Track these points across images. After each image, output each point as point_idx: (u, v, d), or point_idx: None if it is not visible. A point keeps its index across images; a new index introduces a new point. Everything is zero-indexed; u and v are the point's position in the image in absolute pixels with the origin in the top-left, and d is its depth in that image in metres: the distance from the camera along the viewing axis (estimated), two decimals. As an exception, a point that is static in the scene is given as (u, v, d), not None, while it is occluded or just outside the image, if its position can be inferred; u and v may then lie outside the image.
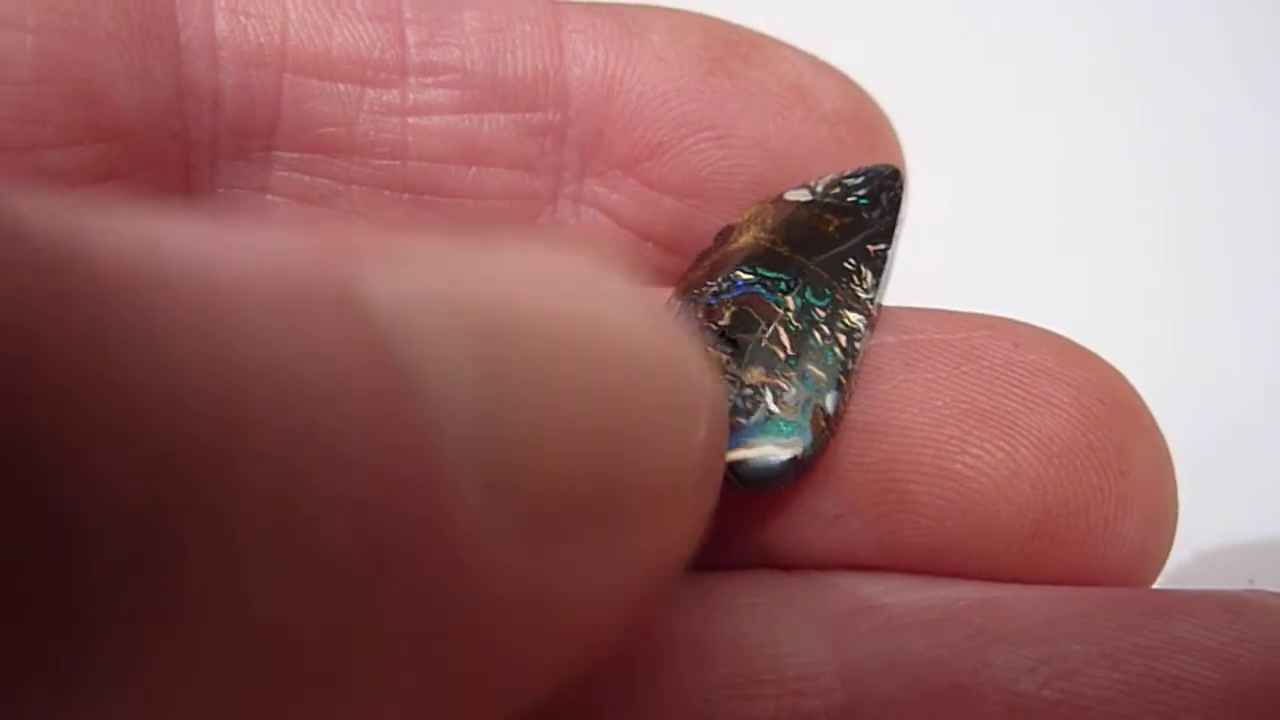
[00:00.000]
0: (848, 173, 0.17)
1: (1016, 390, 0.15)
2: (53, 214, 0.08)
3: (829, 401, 0.15)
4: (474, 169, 0.17)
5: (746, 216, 0.17)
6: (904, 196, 0.17)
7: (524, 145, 0.17)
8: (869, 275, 0.16)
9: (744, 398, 0.15)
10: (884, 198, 0.17)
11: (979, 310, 0.16)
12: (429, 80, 0.17)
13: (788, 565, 0.15)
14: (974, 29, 0.31)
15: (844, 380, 0.15)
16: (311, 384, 0.08)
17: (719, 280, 0.16)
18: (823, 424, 0.15)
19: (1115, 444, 0.15)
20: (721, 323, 0.16)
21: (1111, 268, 0.28)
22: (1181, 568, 0.21)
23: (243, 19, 0.16)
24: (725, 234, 0.17)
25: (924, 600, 0.15)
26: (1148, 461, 0.15)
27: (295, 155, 0.17)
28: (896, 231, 0.17)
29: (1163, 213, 0.29)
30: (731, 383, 0.15)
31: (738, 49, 0.18)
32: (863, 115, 0.18)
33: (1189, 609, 0.14)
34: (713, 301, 0.16)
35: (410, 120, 0.17)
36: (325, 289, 0.09)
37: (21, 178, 0.15)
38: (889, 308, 0.16)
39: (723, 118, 0.18)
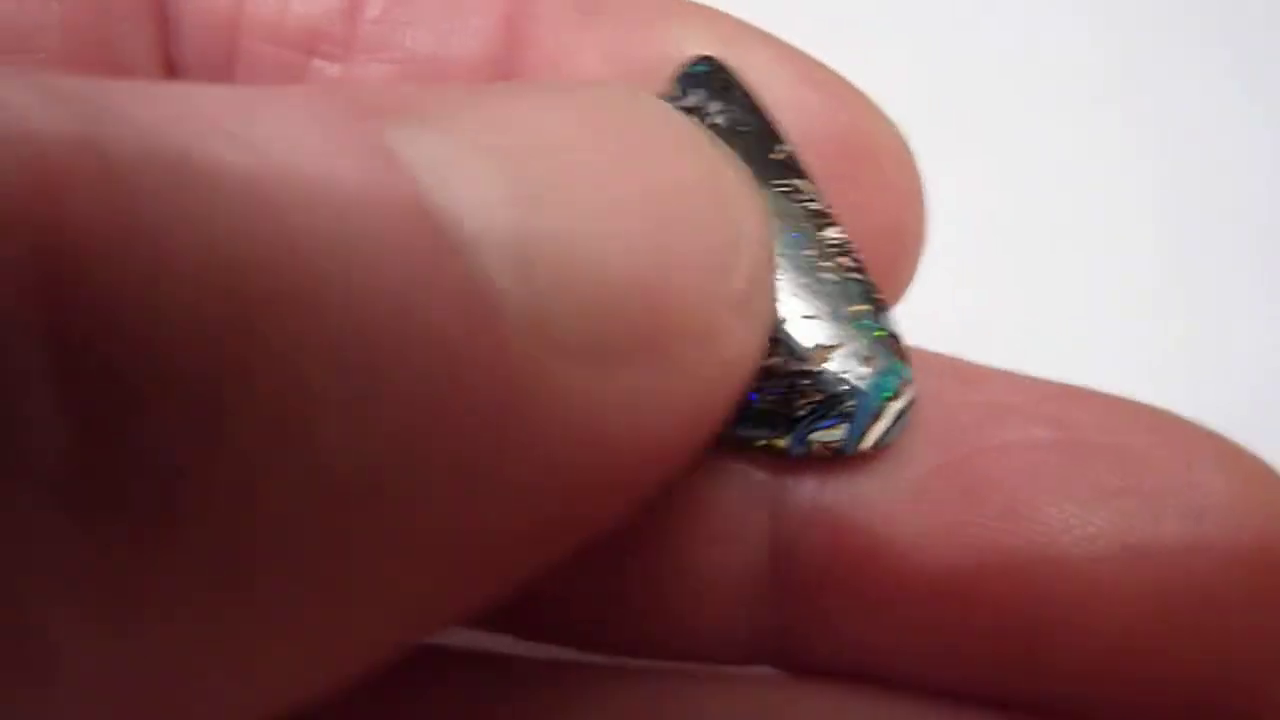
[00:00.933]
0: (674, 93, 0.15)
1: (1187, 523, 0.13)
2: (113, 103, 0.09)
3: (890, 326, 0.14)
4: None
5: None
6: (738, 80, 0.15)
7: None
8: (799, 182, 0.15)
9: (831, 379, 0.14)
10: (732, 95, 0.15)
11: (976, 313, 0.15)
12: (374, 56, 0.17)
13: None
14: (975, 32, 0.30)
15: (877, 294, 0.14)
16: (356, 243, 0.09)
17: None
18: (901, 347, 0.14)
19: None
20: None
21: (1112, 268, 0.27)
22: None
23: None
24: None
25: None
26: None
27: None
28: (772, 124, 0.15)
29: (1164, 214, 0.28)
30: (804, 376, 0.14)
31: (705, 44, 0.16)
32: (849, 143, 0.16)
33: None
34: None
35: None
36: (357, 147, 0.10)
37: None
38: (1036, 380, 0.14)
39: None
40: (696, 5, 0.17)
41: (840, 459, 0.14)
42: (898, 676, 0.14)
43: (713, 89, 0.15)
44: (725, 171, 0.12)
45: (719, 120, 0.15)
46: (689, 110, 0.15)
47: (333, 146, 0.09)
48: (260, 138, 0.09)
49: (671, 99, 0.15)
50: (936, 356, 0.15)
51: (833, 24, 0.25)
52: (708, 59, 0.15)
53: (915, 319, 0.16)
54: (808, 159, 0.15)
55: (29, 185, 0.08)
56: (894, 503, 0.14)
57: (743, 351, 0.12)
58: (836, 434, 0.14)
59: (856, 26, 0.28)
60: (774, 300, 0.12)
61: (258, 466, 0.08)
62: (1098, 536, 0.13)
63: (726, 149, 0.12)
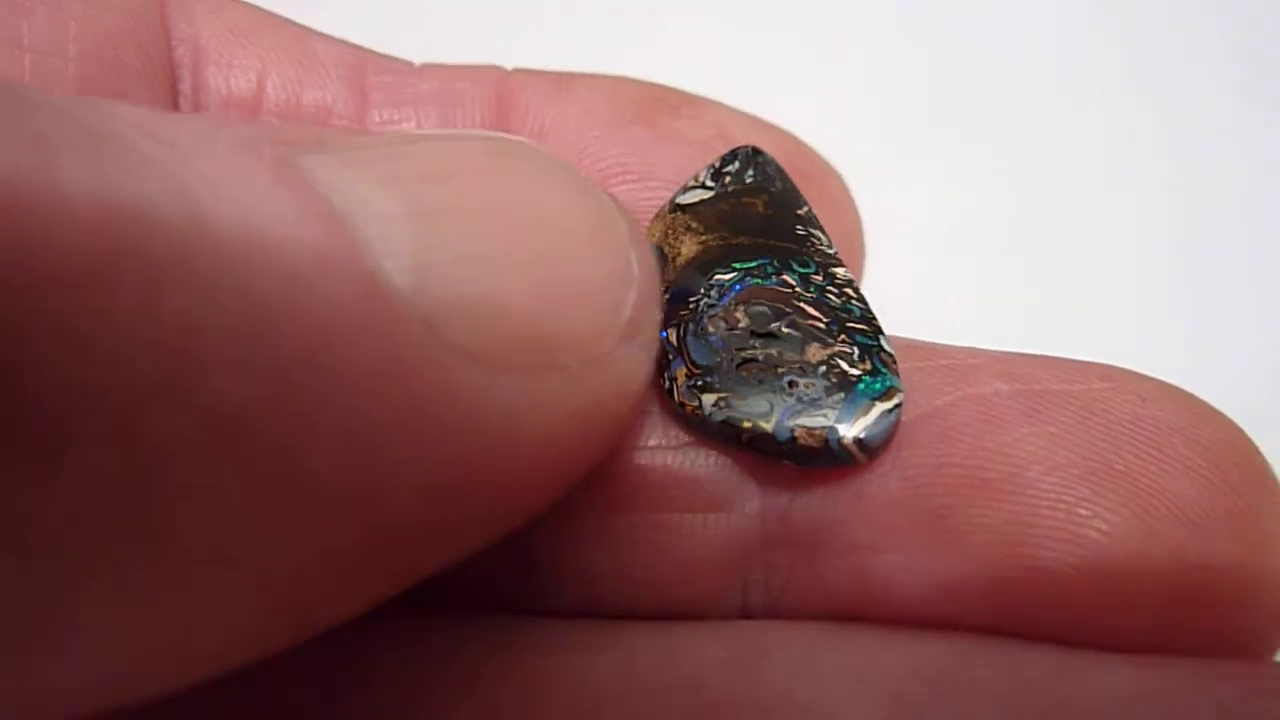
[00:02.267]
0: (718, 163, 0.17)
1: (1148, 450, 0.14)
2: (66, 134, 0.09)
3: (885, 343, 0.15)
4: None
5: (658, 234, 0.17)
6: (777, 162, 0.17)
7: None
8: (819, 234, 0.17)
9: (824, 376, 0.15)
10: (769, 169, 0.17)
11: (978, 313, 0.16)
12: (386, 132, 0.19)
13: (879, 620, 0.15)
14: (975, 33, 0.30)
15: (878, 322, 0.15)
16: (262, 237, 0.10)
17: (702, 293, 0.16)
18: (893, 364, 0.15)
19: (1252, 512, 0.14)
20: (743, 325, 0.15)
21: (1113, 268, 0.27)
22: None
23: (226, 71, 0.18)
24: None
25: (993, 667, 0.14)
26: None
27: None
28: (799, 191, 0.17)
29: (1164, 214, 0.28)
30: (801, 370, 0.15)
31: (668, 105, 0.19)
32: (804, 167, 0.19)
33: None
34: (714, 312, 0.16)
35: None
36: (269, 164, 0.11)
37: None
38: (989, 351, 0.15)
39: (644, 161, 0.18)
40: (636, 80, 0.20)
41: (822, 457, 0.15)
42: (890, 618, 0.15)
43: (748, 161, 0.18)
44: (612, 214, 0.13)
45: (751, 179, 0.17)
46: (729, 173, 0.18)
47: (249, 164, 0.10)
48: (189, 153, 0.10)
49: (713, 168, 0.18)
50: (902, 339, 0.16)
51: (834, 25, 0.26)
52: (749, 146, 0.18)
53: (916, 318, 0.17)
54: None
55: None
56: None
57: (631, 374, 0.13)
58: (821, 420, 0.15)
59: (858, 27, 0.28)
60: (658, 332, 0.14)
61: (146, 399, 0.09)
62: (1065, 465, 0.14)
63: (613, 199, 0.13)
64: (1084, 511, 0.14)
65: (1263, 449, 0.14)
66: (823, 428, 0.15)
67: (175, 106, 0.18)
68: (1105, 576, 0.14)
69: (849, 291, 0.16)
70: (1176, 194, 0.29)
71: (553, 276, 0.12)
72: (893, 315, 0.16)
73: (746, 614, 0.15)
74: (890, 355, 0.15)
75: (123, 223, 0.09)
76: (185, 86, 0.18)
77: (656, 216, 0.18)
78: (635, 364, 0.13)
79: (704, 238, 0.17)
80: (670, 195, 0.18)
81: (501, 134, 0.13)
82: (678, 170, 0.19)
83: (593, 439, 0.13)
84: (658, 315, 0.13)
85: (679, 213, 0.17)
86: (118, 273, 0.09)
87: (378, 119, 0.19)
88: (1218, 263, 0.28)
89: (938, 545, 0.14)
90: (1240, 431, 0.15)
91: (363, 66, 0.19)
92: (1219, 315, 0.26)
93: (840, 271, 0.16)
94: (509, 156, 0.13)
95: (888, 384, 0.15)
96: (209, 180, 0.10)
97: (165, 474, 0.09)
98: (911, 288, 0.18)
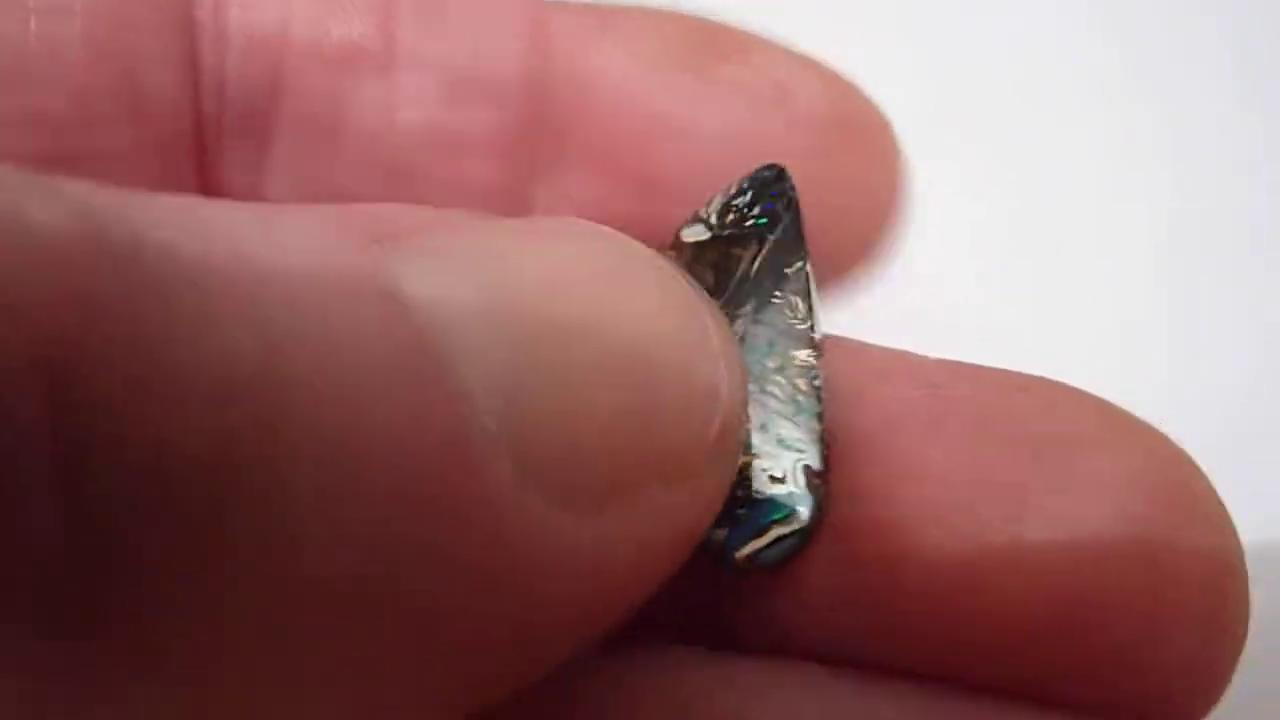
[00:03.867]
0: (733, 190, 0.16)
1: (1047, 465, 0.13)
2: (113, 204, 0.09)
3: (815, 458, 0.14)
4: (454, 162, 0.18)
5: None
6: (795, 193, 0.16)
7: (500, 139, 0.18)
8: (798, 301, 0.15)
9: (735, 486, 0.13)
10: (778, 207, 0.16)
11: (982, 318, 0.16)
12: (415, 73, 0.18)
13: (777, 651, 0.14)
14: (976, 36, 0.30)
15: (820, 428, 0.14)
16: (354, 369, 0.09)
17: None
18: (816, 482, 0.14)
19: (1164, 538, 0.12)
20: None
21: (1113, 272, 0.27)
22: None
23: (250, 9, 0.17)
24: None
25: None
26: (1207, 561, 0.13)
27: (290, 140, 0.17)
28: (803, 238, 0.15)
29: (1165, 217, 0.28)
30: None
31: (719, 47, 0.18)
32: (850, 117, 0.18)
33: None
34: None
35: (395, 112, 0.18)
36: (362, 276, 0.10)
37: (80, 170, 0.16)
38: (911, 355, 0.15)
39: (687, 114, 0.17)
40: (682, 16, 0.18)
41: (725, 565, 0.14)
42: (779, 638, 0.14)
43: (761, 192, 0.16)
44: (706, 321, 0.12)
45: (753, 222, 0.16)
46: (735, 208, 0.16)
47: (341, 274, 0.10)
48: (276, 243, 0.10)
49: (725, 197, 0.16)
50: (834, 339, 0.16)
51: (836, 25, 0.25)
52: (774, 166, 0.16)
53: (919, 318, 0.17)
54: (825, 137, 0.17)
55: (36, 286, 0.08)
56: None
57: (712, 494, 0.12)
58: (716, 534, 0.14)
59: (860, 27, 0.28)
60: (743, 442, 0.13)
61: (243, 576, 0.09)
62: (961, 480, 0.13)
63: (706, 296, 0.12)
64: (964, 529, 0.13)
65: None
66: (716, 541, 0.14)
67: (195, 54, 0.17)
68: (979, 602, 0.13)
69: (801, 384, 0.14)
70: (1178, 195, 0.28)
71: (645, 402, 0.11)
72: (893, 316, 0.16)
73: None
74: (820, 474, 0.14)
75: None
76: (206, 31, 0.17)
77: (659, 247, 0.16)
78: (720, 479, 0.12)
79: None
80: (713, 158, 0.17)
81: (598, 229, 0.12)
82: (724, 125, 0.18)
83: (677, 556, 0.12)
84: (744, 421, 0.13)
85: (671, 251, 0.16)
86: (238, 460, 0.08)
87: (404, 61, 0.18)
88: (1218, 266, 0.27)
89: (821, 570, 0.14)
90: (1168, 446, 0.13)
91: None
92: (1219, 319, 0.26)
93: (802, 355, 0.15)
94: (608, 262, 0.12)
95: (795, 510, 0.14)
96: (302, 322, 0.09)
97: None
98: (911, 288, 0.18)
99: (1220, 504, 0.13)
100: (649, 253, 0.12)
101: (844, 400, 0.14)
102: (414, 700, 0.10)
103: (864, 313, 0.18)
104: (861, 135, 0.18)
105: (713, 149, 0.17)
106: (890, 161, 0.18)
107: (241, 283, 0.09)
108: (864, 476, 0.14)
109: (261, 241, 0.09)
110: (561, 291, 0.11)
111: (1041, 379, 0.14)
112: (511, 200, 0.18)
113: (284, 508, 0.09)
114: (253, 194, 0.18)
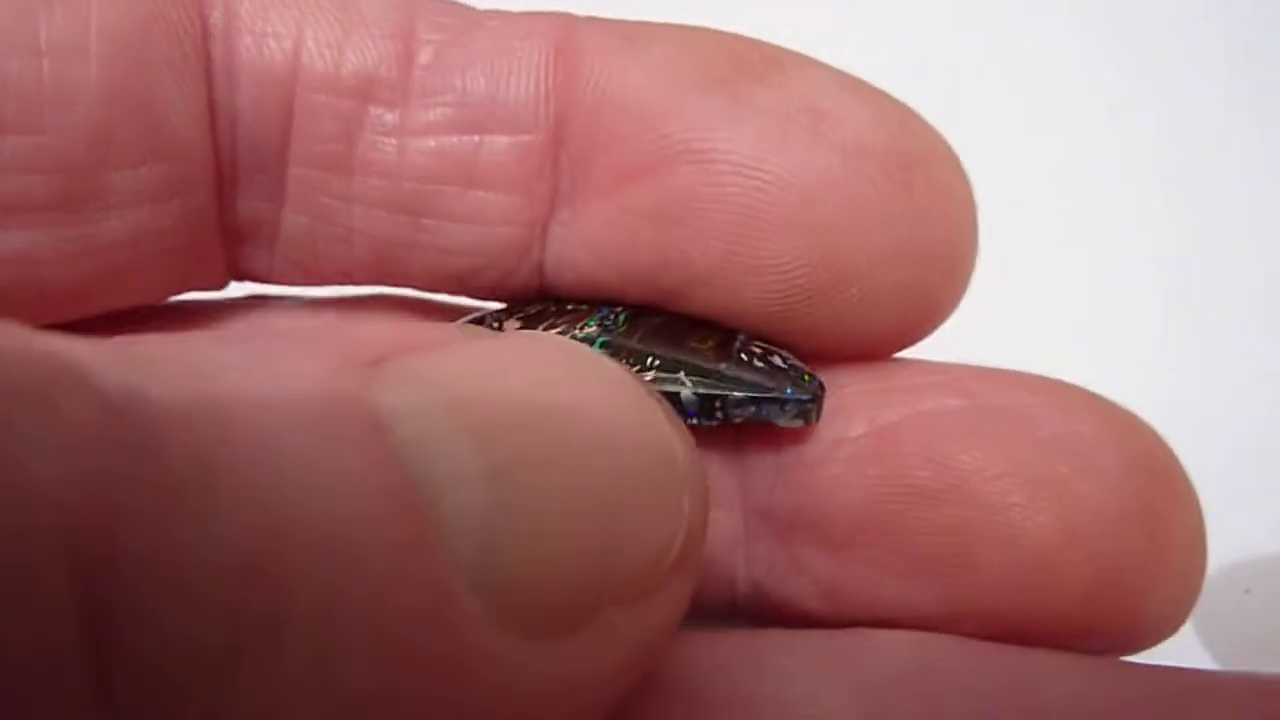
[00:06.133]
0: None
1: (1071, 460, 0.16)
2: (122, 375, 0.09)
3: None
4: (470, 192, 0.17)
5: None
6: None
7: (520, 168, 0.17)
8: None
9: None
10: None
11: (979, 317, 0.17)
12: (430, 101, 0.17)
13: (852, 618, 0.16)
14: (977, 37, 0.30)
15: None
16: (346, 528, 0.10)
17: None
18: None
19: (1158, 512, 0.16)
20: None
21: (1114, 276, 0.27)
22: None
23: (261, 40, 0.17)
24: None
25: (961, 669, 0.15)
26: (1185, 526, 0.16)
27: (303, 171, 0.17)
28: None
29: (1166, 220, 0.28)
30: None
31: (752, 67, 0.16)
32: (902, 149, 0.16)
33: (1221, 693, 0.15)
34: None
35: (409, 141, 0.17)
36: (352, 413, 0.10)
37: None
38: (945, 364, 0.17)
39: (711, 139, 0.16)
40: (715, 32, 0.17)
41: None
42: (856, 611, 0.16)
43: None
44: (676, 442, 0.12)
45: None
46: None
47: (331, 413, 0.10)
48: (269, 397, 0.10)
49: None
50: (863, 365, 0.17)
51: (839, 27, 0.26)
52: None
53: None
54: (864, 168, 0.16)
55: (66, 483, 0.08)
56: (841, 462, 0.16)
57: (672, 609, 0.12)
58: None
59: (862, 32, 0.29)
60: (701, 561, 0.13)
61: None
62: (1002, 475, 0.15)
63: (675, 416, 0.13)
64: (1017, 516, 0.15)
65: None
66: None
67: (209, 88, 0.17)
68: (1032, 572, 0.15)
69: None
70: (1179, 197, 0.29)
71: (611, 529, 0.11)
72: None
73: (735, 606, 0.17)
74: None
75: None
76: (218, 65, 0.17)
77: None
78: (679, 598, 0.12)
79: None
80: (736, 187, 0.16)
81: (576, 349, 0.13)
82: (752, 149, 0.16)
83: (638, 672, 0.12)
84: (704, 541, 0.13)
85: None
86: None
87: (419, 90, 0.17)
88: (1220, 272, 0.28)
89: (893, 546, 0.16)
90: (1153, 437, 0.16)
91: (413, 19, 0.17)
92: (1219, 324, 0.26)
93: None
94: (591, 385, 0.12)
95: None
96: (298, 490, 0.09)
97: None
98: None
99: (1187, 479, 0.16)
100: (620, 370, 0.13)
101: (892, 415, 0.16)
102: None
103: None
104: (910, 170, 0.16)
105: (735, 177, 0.16)
106: (958, 203, 0.16)
107: (245, 460, 0.09)
108: (934, 481, 0.16)
109: (259, 396, 0.10)
110: (540, 418, 0.11)
111: (1050, 382, 0.16)
112: (531, 237, 0.17)
113: (282, 683, 0.09)
114: (269, 231, 0.18)
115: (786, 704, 0.15)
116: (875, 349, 0.17)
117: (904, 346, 0.17)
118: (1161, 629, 0.16)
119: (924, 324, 0.17)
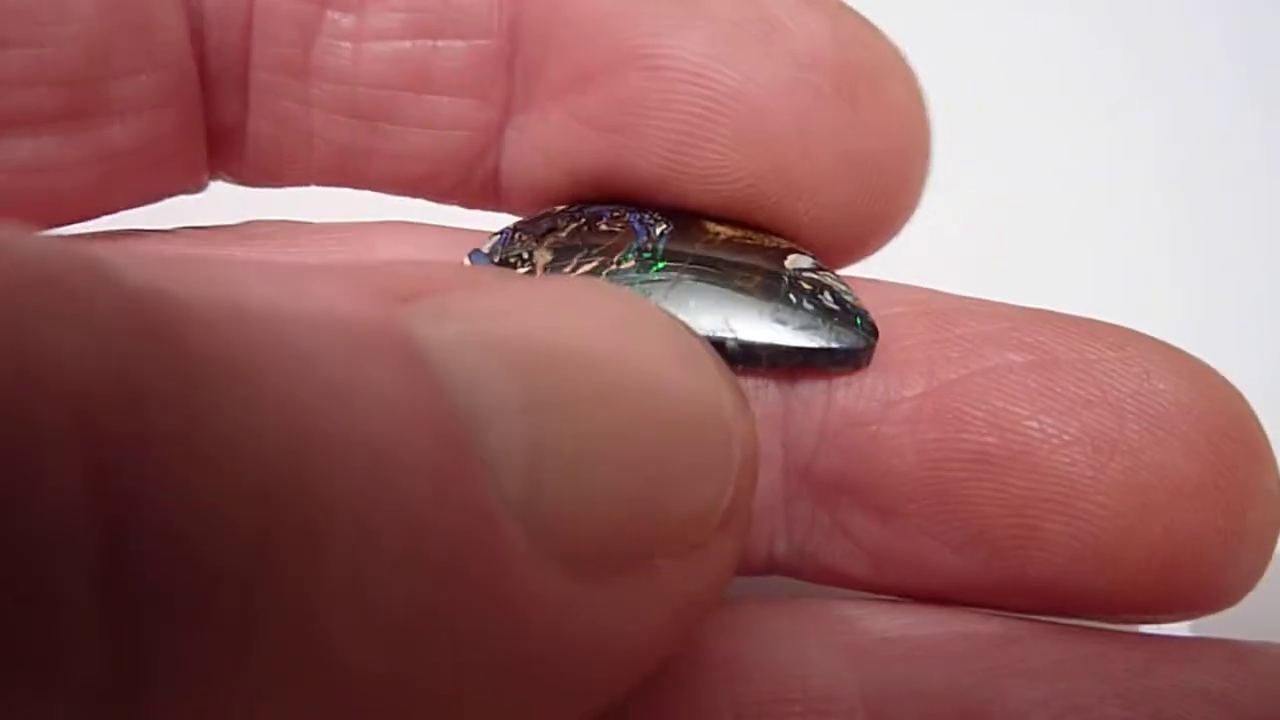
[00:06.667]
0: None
1: (1147, 424, 0.14)
2: (156, 279, 0.09)
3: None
4: (426, 97, 0.17)
5: None
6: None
7: (475, 74, 0.17)
8: None
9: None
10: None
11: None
12: (385, 5, 0.17)
13: (899, 586, 0.16)
14: (976, 36, 0.30)
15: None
16: (383, 446, 0.09)
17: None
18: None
19: (1240, 482, 0.15)
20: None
21: (1113, 276, 0.27)
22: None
23: None
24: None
25: (947, 633, 0.15)
26: (1266, 494, 0.15)
27: (264, 76, 0.17)
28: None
29: (1166, 220, 0.28)
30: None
31: None
32: (854, 63, 0.15)
33: (1197, 655, 0.15)
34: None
35: (365, 45, 0.17)
36: (389, 340, 0.10)
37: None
38: (1009, 308, 0.16)
39: (662, 46, 0.16)
40: None
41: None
42: (903, 579, 0.16)
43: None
44: (725, 394, 0.12)
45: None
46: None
47: (369, 339, 0.10)
48: (306, 313, 0.09)
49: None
50: (913, 290, 0.16)
51: None
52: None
53: None
54: (814, 80, 0.15)
55: (90, 374, 0.08)
56: (895, 424, 0.15)
57: (722, 566, 0.12)
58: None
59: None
60: (751, 516, 0.13)
61: (280, 672, 0.08)
62: (1072, 443, 0.14)
63: (719, 358, 0.12)
64: (1086, 487, 0.14)
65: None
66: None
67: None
68: (1102, 548, 0.14)
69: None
70: (1179, 197, 0.28)
71: (657, 474, 0.11)
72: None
73: (773, 566, 0.16)
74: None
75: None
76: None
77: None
78: (728, 554, 0.12)
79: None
80: (685, 95, 0.16)
81: (619, 291, 0.12)
82: (702, 58, 0.16)
83: (682, 631, 0.12)
84: (753, 497, 0.12)
85: None
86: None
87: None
88: (1224, 269, 0.27)
89: (950, 515, 0.15)
90: (1238, 399, 0.15)
91: None
92: (1221, 324, 0.26)
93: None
94: (627, 327, 0.12)
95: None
96: (333, 403, 0.09)
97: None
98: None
99: (1268, 443, 0.15)
100: (665, 316, 0.12)
101: (953, 372, 0.15)
102: None
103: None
104: (863, 83, 0.15)
105: (684, 85, 0.16)
106: (910, 118, 0.16)
107: (276, 364, 0.09)
108: (998, 446, 0.15)
109: (293, 311, 0.09)
110: (583, 358, 0.11)
111: (1131, 334, 0.15)
112: (486, 142, 0.17)
113: (317, 601, 0.09)
114: (239, 138, 0.18)
115: (780, 664, 0.15)
116: (824, 262, 0.17)
117: (852, 261, 0.17)
118: (1231, 598, 0.15)
119: (872, 238, 0.17)
